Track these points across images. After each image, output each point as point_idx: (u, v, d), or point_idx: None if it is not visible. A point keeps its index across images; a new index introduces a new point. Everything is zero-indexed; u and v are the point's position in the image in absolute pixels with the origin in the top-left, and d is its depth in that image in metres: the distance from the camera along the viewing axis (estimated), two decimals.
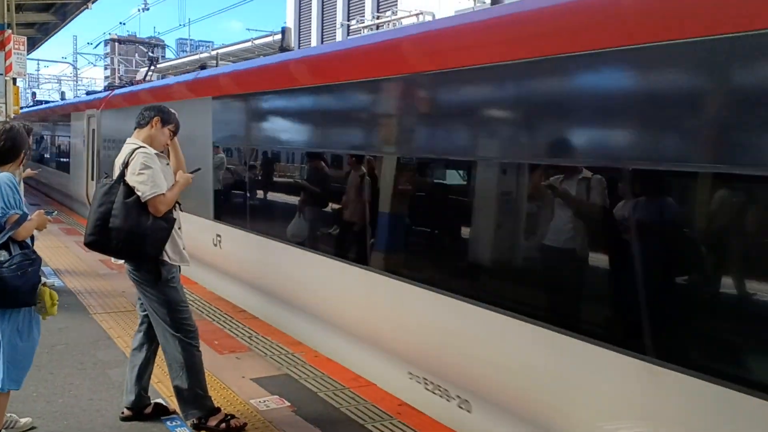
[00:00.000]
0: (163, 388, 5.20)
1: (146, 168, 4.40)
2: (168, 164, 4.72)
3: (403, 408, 5.07)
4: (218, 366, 5.80)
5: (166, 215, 4.44)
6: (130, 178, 4.40)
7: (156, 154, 4.56)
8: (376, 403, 5.13)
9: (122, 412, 4.69)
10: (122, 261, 4.64)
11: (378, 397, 5.28)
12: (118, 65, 59.42)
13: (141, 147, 4.52)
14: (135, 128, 4.74)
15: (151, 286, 4.45)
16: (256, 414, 4.83)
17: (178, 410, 4.68)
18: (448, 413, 4.84)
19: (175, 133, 4.82)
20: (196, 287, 8.99)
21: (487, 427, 4.54)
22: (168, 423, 4.65)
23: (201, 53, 37.11)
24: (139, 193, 4.36)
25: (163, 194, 4.40)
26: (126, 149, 4.56)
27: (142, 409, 4.69)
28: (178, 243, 4.58)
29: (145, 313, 4.63)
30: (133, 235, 4.32)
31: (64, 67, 61.61)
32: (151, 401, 4.76)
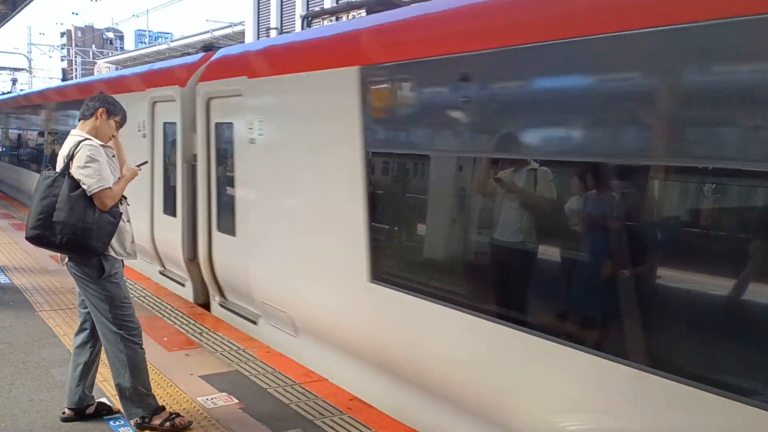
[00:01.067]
0: (108, 387, 5.08)
1: (92, 161, 4.28)
2: (114, 156, 4.60)
3: (353, 403, 5.04)
4: (166, 363, 5.70)
5: (112, 209, 4.33)
6: (76, 171, 4.28)
7: (102, 146, 4.44)
8: (326, 398, 5.10)
9: (63, 412, 4.56)
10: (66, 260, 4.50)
11: (329, 392, 5.24)
12: (75, 56, 58.19)
13: (86, 139, 4.39)
14: (79, 119, 4.61)
15: (92, 282, 4.34)
16: (203, 412, 4.75)
17: (121, 409, 4.58)
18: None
19: (121, 124, 4.69)
20: (149, 283, 8.84)
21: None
22: (111, 423, 4.55)
23: (159, 44, 36.54)
24: (84, 187, 4.25)
25: (110, 188, 4.30)
26: (70, 141, 4.43)
27: (84, 409, 4.57)
28: (125, 237, 4.47)
29: (86, 310, 4.51)
30: (79, 229, 4.20)
31: (20, 58, 60.14)
32: (94, 401, 4.65)
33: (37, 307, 7.37)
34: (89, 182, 4.21)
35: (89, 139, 4.39)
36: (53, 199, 4.21)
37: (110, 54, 55.34)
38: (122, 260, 4.52)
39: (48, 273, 8.85)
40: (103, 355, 4.62)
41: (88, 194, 4.21)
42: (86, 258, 4.33)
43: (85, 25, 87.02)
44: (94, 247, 4.22)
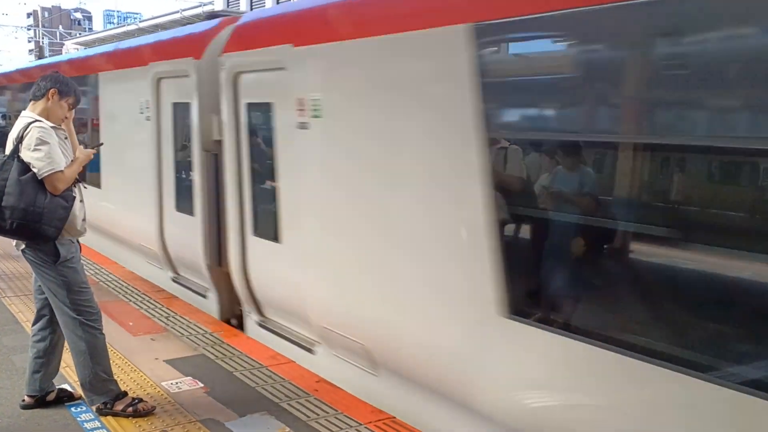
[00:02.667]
0: (70, 373, 4.98)
1: (42, 143, 4.15)
2: (66, 138, 4.46)
3: (320, 385, 5.00)
4: (131, 348, 5.61)
5: (64, 193, 4.21)
6: (25, 154, 4.14)
7: (53, 127, 4.30)
8: (293, 380, 5.05)
9: (23, 400, 4.48)
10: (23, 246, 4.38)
11: (296, 374, 5.20)
12: (42, 37, 56.92)
13: (36, 121, 4.25)
14: (30, 100, 4.46)
15: (48, 267, 4.23)
16: (167, 397, 4.69)
17: (83, 395, 4.50)
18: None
19: (74, 105, 4.55)
20: (114, 266, 8.71)
21: None
22: (72, 409, 4.47)
23: (128, 25, 35.82)
24: (35, 170, 4.12)
25: (62, 171, 4.17)
26: (20, 123, 4.29)
27: (44, 396, 4.48)
28: (76, 217, 4.33)
29: (43, 296, 4.40)
30: (29, 213, 4.07)
31: None
32: (55, 387, 4.56)
33: None
34: (39, 165, 4.09)
35: (39, 120, 4.25)
36: (2, 183, 4.07)
37: (78, 35, 54.20)
38: (78, 244, 4.42)
39: (11, 258, 8.68)
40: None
41: (39, 178, 4.09)
42: (40, 243, 4.22)
43: (52, 6, 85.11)
44: (46, 232, 4.10)
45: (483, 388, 3.92)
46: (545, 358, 3.57)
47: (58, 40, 51.04)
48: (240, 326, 6.60)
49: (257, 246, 6.08)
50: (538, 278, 3.82)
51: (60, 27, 57.36)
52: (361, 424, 4.36)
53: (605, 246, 3.56)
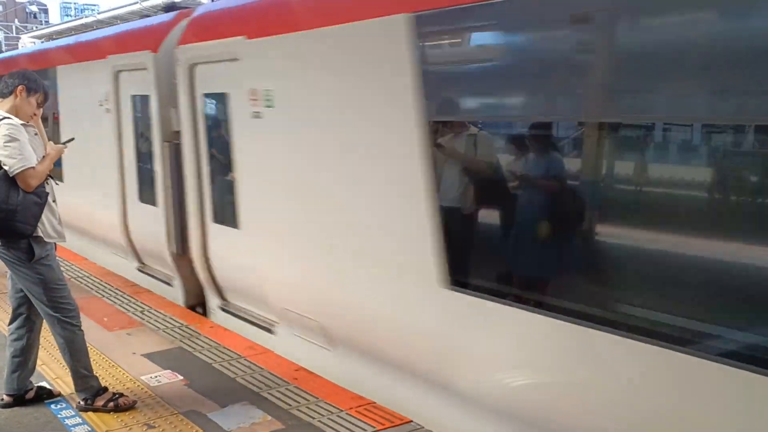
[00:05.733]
0: (48, 371, 4.98)
1: (12, 140, 4.11)
2: (36, 134, 4.43)
3: (299, 373, 5.06)
4: (108, 343, 5.60)
5: (37, 189, 4.19)
6: None
7: (22, 124, 4.27)
8: (272, 370, 5.10)
9: (2, 399, 4.46)
10: None
11: (274, 363, 5.25)
12: None
13: (5, 118, 4.22)
14: None
15: (23, 265, 4.21)
16: (147, 390, 4.70)
17: (62, 392, 4.49)
18: None
19: (42, 102, 4.51)
20: (86, 263, 8.63)
21: None
22: (52, 406, 4.46)
23: (86, 17, 35.06)
24: (6, 168, 4.09)
25: (33, 167, 4.15)
26: None
27: (23, 394, 4.47)
28: (52, 218, 4.34)
29: (18, 295, 4.38)
30: (2, 211, 4.06)
31: None
32: (33, 385, 4.55)
33: None
34: (10, 162, 4.06)
35: (8, 117, 4.21)
36: None
37: (35, 28, 52.96)
38: (54, 242, 4.40)
39: None
40: (44, 340, 4.52)
41: (11, 175, 4.06)
42: (14, 241, 4.19)
43: None
44: (20, 229, 4.08)
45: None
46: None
47: (14, 34, 49.85)
48: (205, 312, 6.76)
49: (217, 232, 6.27)
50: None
51: (16, 21, 56.01)
52: (342, 410, 4.44)
53: None
